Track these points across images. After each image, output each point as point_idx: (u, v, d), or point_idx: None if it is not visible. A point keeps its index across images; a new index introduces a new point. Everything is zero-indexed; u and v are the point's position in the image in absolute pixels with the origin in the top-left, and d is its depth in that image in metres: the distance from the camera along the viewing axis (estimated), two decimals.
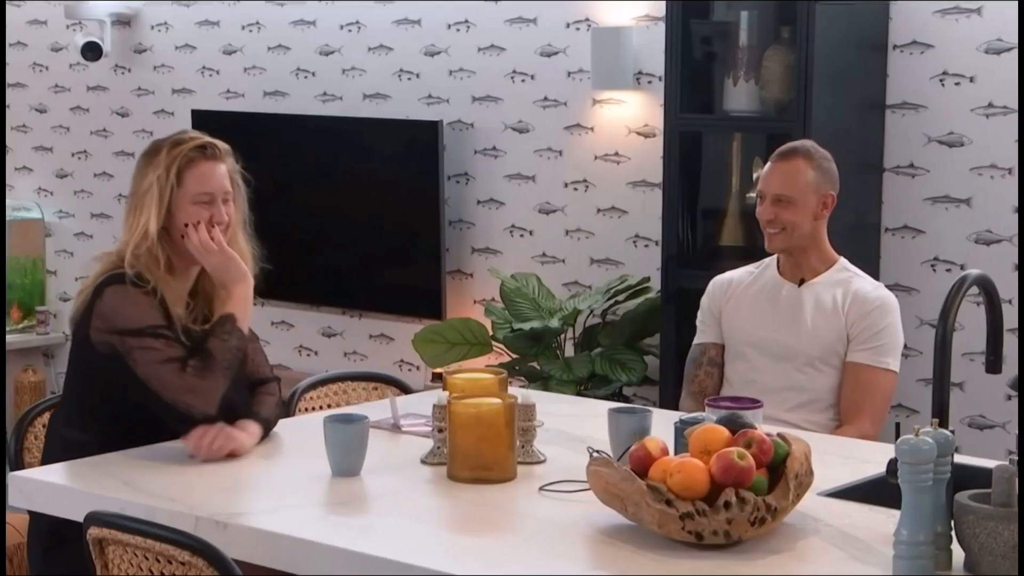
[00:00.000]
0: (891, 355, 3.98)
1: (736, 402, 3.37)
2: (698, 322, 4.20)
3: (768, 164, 4.08)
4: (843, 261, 4.09)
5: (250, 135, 6.39)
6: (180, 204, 3.46)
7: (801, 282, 4.04)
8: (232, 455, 3.34)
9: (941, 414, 2.84)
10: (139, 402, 3.36)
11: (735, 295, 4.11)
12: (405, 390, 4.14)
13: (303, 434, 3.52)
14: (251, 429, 3.43)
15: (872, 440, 3.81)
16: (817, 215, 4.02)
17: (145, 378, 3.33)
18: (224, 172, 3.52)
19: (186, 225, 3.45)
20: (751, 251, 4.69)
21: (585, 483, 2.91)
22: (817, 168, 4.02)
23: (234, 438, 3.35)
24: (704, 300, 4.19)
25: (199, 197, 3.47)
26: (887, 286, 5.00)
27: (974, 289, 3.03)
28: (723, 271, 4.25)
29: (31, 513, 3.39)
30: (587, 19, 5.58)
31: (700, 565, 2.64)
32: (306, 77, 6.36)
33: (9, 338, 7.01)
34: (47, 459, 3.46)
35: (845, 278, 4.03)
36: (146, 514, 2.92)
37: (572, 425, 3.64)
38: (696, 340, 4.19)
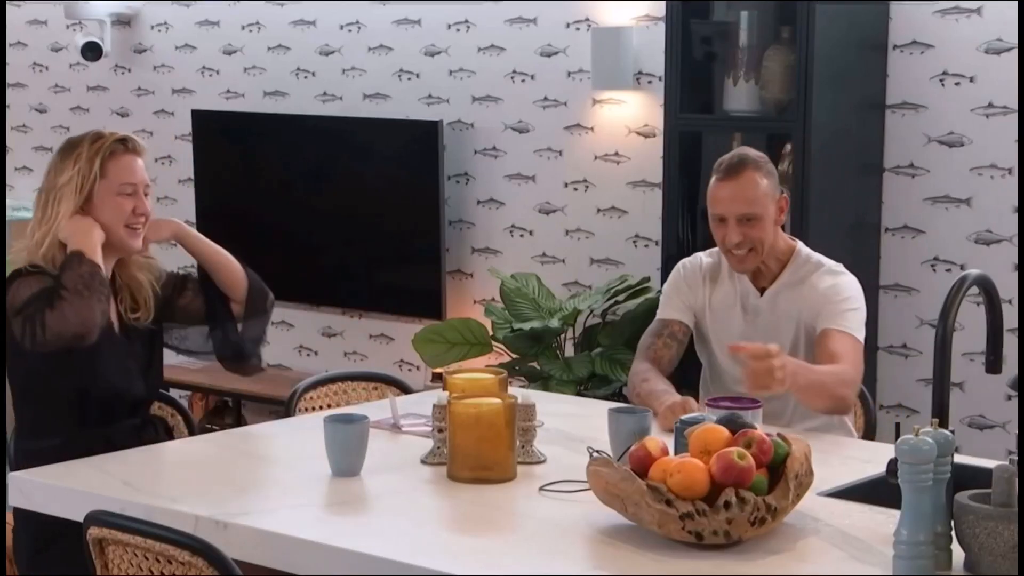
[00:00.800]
0: (853, 323, 3.76)
1: (736, 402, 3.36)
2: (663, 296, 4.03)
3: (715, 182, 3.82)
4: (799, 251, 3.89)
5: (250, 135, 6.42)
6: (104, 196, 3.52)
7: (763, 291, 3.88)
8: None
9: (941, 414, 2.84)
10: (87, 388, 3.43)
11: (711, 303, 3.93)
12: (405, 390, 4.14)
13: (303, 434, 3.52)
14: None
15: (855, 390, 3.69)
16: (777, 221, 3.84)
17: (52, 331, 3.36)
18: (143, 165, 3.61)
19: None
20: None
21: (585, 483, 2.91)
22: (767, 175, 3.81)
23: None
24: (674, 278, 4.00)
25: (123, 188, 3.54)
26: (887, 286, 5.02)
27: (974, 289, 3.03)
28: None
29: (17, 513, 3.38)
30: (587, 19, 5.58)
31: (700, 565, 2.64)
32: (306, 77, 6.36)
33: None
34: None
35: (800, 278, 3.84)
36: (146, 514, 2.92)
37: (572, 425, 3.64)
38: (659, 315, 4.00)
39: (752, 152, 3.87)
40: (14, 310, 3.40)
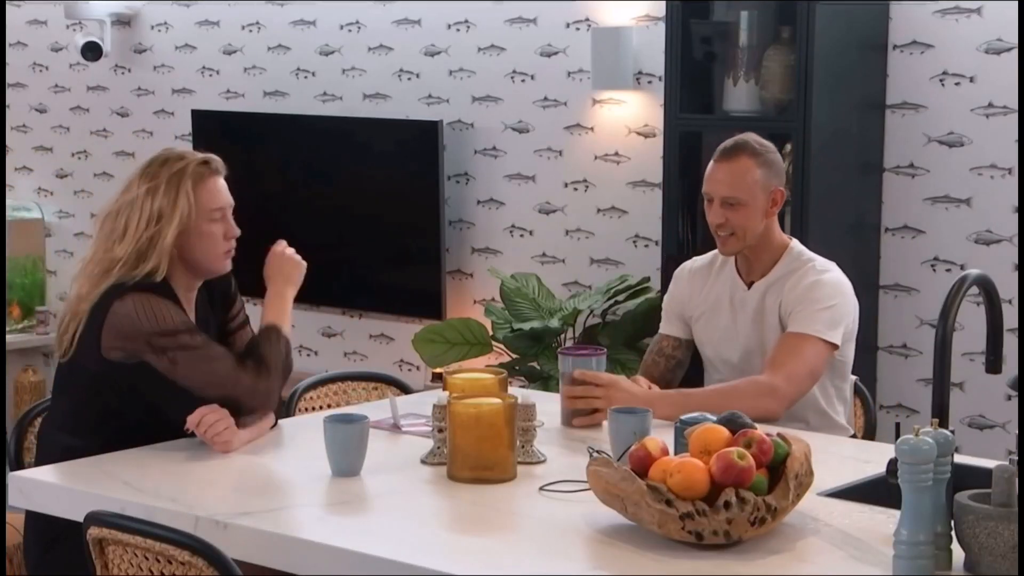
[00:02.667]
0: (822, 323, 3.72)
1: (581, 349, 3.77)
2: (663, 311, 4.08)
3: (712, 163, 3.87)
4: (793, 247, 3.89)
5: (250, 135, 6.42)
6: (198, 225, 3.46)
7: (751, 285, 3.88)
8: (219, 444, 3.37)
9: (941, 414, 2.84)
10: (158, 406, 3.39)
11: (701, 302, 3.95)
12: (405, 390, 4.14)
13: (303, 434, 3.52)
14: (249, 430, 3.46)
15: (781, 399, 3.63)
16: (768, 213, 3.82)
17: (188, 376, 3.36)
18: (226, 185, 3.56)
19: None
20: None
21: (585, 483, 2.91)
22: (763, 164, 3.81)
23: (231, 434, 3.37)
24: (672, 288, 4.05)
25: (212, 214, 3.49)
26: (887, 286, 5.02)
27: (974, 289, 3.03)
28: None
29: (28, 513, 3.39)
30: (587, 19, 5.58)
31: (700, 565, 2.64)
32: (306, 77, 6.36)
33: (9, 338, 7.01)
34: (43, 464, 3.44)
35: (787, 274, 3.83)
36: (146, 514, 2.92)
37: None
38: (660, 329, 4.07)
39: (755, 140, 3.88)
40: (141, 332, 3.33)
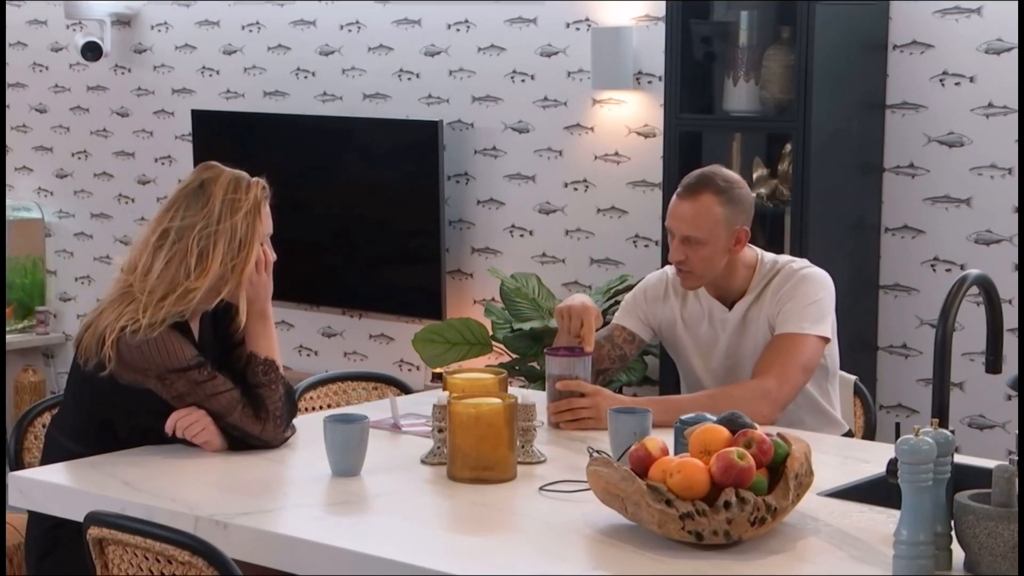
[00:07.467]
0: (808, 320, 3.71)
1: (570, 351, 3.68)
2: (623, 303, 4.03)
3: (675, 198, 3.80)
4: (762, 259, 3.85)
5: (250, 135, 6.42)
6: (255, 248, 3.51)
7: (732, 304, 3.84)
8: (201, 445, 3.38)
9: (941, 414, 2.84)
10: (150, 429, 3.41)
11: (683, 315, 3.90)
12: (405, 390, 4.15)
13: (303, 434, 3.52)
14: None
15: (773, 401, 3.62)
16: (730, 250, 3.77)
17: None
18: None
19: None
20: None
21: (585, 483, 2.91)
22: (728, 202, 3.74)
23: (209, 434, 3.37)
24: (637, 289, 4.00)
25: (265, 239, 3.57)
26: (887, 286, 5.02)
27: (974, 289, 3.03)
28: None
29: (30, 515, 3.39)
30: (587, 19, 5.58)
31: (700, 565, 2.64)
32: (306, 77, 6.36)
33: (9, 338, 7.01)
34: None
35: (764, 287, 3.80)
36: (146, 514, 2.92)
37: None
38: (615, 318, 4.03)
39: (721, 175, 3.81)
40: (155, 367, 3.32)
